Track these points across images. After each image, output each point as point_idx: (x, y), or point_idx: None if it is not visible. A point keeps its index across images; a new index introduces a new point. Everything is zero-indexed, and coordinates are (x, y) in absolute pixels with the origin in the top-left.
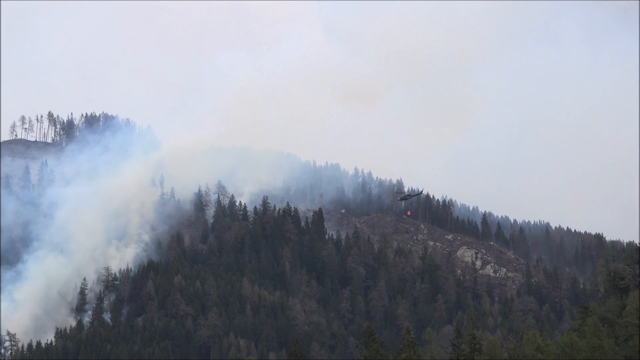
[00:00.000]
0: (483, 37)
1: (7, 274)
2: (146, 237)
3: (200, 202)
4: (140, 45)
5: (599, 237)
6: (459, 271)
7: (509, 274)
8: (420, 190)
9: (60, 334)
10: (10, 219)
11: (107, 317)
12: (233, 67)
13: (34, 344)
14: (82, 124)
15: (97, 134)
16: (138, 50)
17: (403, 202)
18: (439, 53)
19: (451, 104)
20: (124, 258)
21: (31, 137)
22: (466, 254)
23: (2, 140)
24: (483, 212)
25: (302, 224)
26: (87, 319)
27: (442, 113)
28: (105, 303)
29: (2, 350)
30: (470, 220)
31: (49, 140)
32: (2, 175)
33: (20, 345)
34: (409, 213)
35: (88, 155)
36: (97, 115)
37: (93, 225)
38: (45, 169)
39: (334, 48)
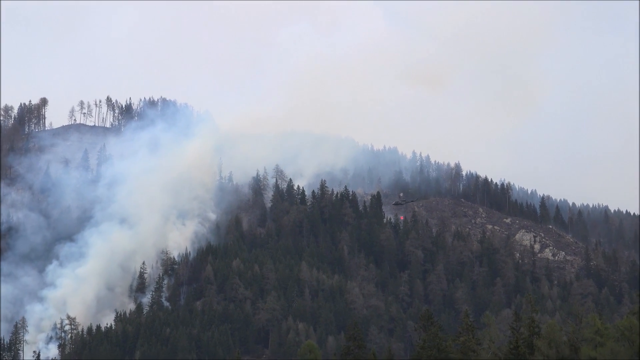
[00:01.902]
0: (548, 20)
1: (69, 250)
2: (212, 216)
3: (258, 186)
4: (199, 28)
5: None
6: (518, 254)
7: (568, 258)
8: (416, 197)
9: (119, 317)
10: (72, 198)
11: (165, 300)
12: (295, 45)
13: (94, 324)
14: (140, 108)
15: (156, 115)
16: (196, 33)
17: (405, 204)
18: (503, 36)
19: (514, 87)
20: (183, 233)
21: (90, 122)
22: (525, 238)
23: (60, 125)
24: (541, 195)
25: (360, 207)
26: (146, 299)
27: (505, 96)
28: (164, 287)
29: (62, 334)
30: (529, 203)
31: (108, 125)
32: (61, 159)
33: (80, 329)
34: (402, 218)
35: (148, 133)
36: (155, 99)
37: (154, 200)
38: (104, 152)
39: (397, 30)
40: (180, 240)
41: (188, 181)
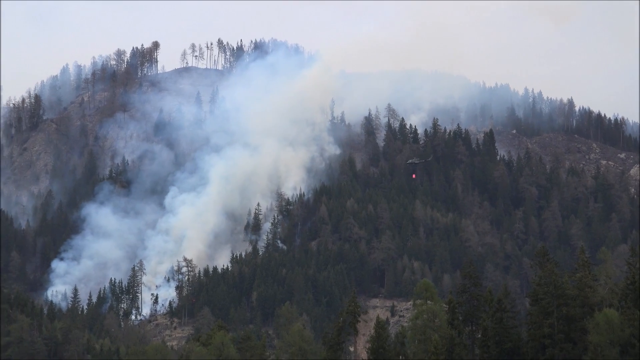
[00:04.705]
0: None
1: (189, 179)
2: (330, 147)
3: (370, 125)
4: None
5: None
6: (633, 190)
7: None
8: (430, 157)
9: (236, 259)
10: (189, 132)
11: (280, 241)
12: None
13: (211, 263)
14: (251, 50)
15: (268, 54)
16: None
17: (416, 164)
18: None
19: (636, 21)
20: (296, 162)
21: (202, 65)
22: None
23: (172, 68)
24: None
25: (473, 145)
26: (261, 240)
27: (623, 31)
28: (279, 228)
29: (180, 276)
30: None
31: (219, 67)
32: (175, 98)
33: (196, 270)
34: (414, 176)
35: (261, 66)
36: (266, 41)
37: (270, 127)
38: (217, 94)
39: None
40: (294, 168)
41: (303, 112)
